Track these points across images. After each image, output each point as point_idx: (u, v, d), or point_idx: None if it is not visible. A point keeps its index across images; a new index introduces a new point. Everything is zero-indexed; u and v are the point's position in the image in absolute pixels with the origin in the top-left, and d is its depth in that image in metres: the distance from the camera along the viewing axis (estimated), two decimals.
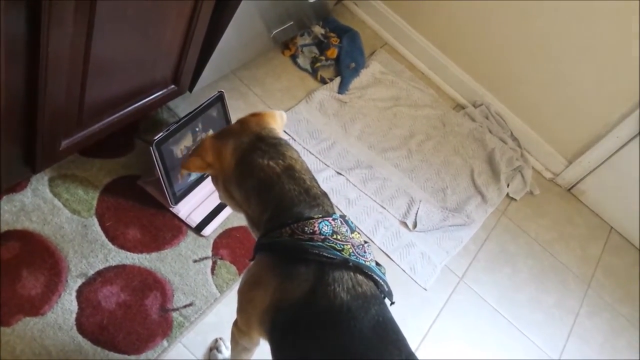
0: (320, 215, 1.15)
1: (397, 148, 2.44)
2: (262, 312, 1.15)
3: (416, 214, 2.24)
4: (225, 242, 1.82)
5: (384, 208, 2.21)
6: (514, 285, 2.24)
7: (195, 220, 1.80)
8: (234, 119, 2.09)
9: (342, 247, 1.13)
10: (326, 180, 2.16)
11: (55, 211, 1.65)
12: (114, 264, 1.62)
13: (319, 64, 2.53)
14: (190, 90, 1.94)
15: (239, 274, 1.76)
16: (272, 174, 1.19)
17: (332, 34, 2.61)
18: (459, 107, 2.83)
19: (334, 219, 1.16)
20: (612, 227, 2.72)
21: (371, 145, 2.40)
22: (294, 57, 2.52)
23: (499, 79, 2.73)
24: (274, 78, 2.42)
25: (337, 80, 2.53)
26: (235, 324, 1.33)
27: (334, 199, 2.11)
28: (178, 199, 1.79)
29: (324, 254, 1.11)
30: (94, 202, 1.72)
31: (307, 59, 2.54)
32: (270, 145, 1.23)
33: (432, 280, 2.09)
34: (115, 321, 1.53)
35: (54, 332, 1.45)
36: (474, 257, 2.24)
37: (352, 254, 1.13)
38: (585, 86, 2.50)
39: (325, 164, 2.22)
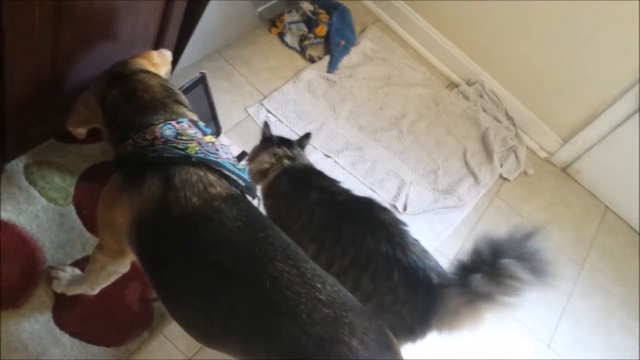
0: (162, 120, 1.14)
1: (387, 129, 2.38)
2: (127, 231, 1.12)
3: (406, 196, 2.19)
4: None
5: (374, 191, 2.15)
6: None
7: None
8: (218, 100, 2.03)
9: (186, 145, 1.11)
10: (314, 163, 2.10)
11: (31, 200, 1.60)
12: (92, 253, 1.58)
13: (307, 42, 2.44)
14: (171, 71, 1.87)
15: None
16: (116, 102, 1.22)
17: (321, 11, 2.51)
18: (453, 85, 2.75)
19: (178, 122, 1.15)
20: (607, 207, 2.68)
21: (361, 126, 2.33)
22: (281, 35, 2.44)
23: (493, 56, 2.66)
24: (260, 57, 2.34)
25: (326, 58, 2.45)
26: (101, 249, 1.29)
27: None
28: None
29: (164, 154, 1.08)
30: (71, 190, 1.66)
31: (295, 37, 2.46)
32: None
33: None
34: (94, 312, 1.49)
35: (31, 325, 1.42)
36: (465, 240, 2.20)
37: (199, 151, 1.10)
38: (582, 64, 2.43)
39: (314, 147, 2.16)
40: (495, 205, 2.39)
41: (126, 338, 1.49)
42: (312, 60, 2.44)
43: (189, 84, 1.79)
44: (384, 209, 1.46)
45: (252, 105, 2.17)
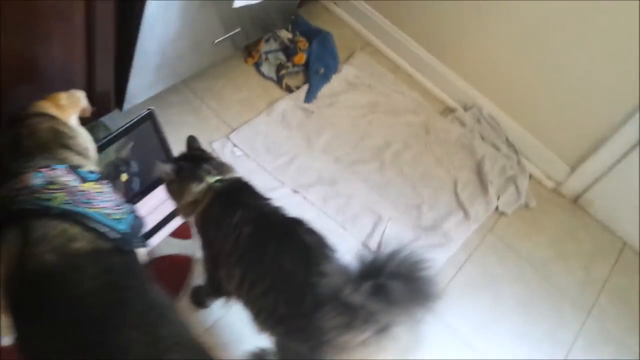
0: (36, 167, 1.07)
1: (368, 160, 2.21)
2: (3, 287, 1.04)
3: (382, 234, 2.01)
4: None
5: (345, 229, 1.99)
6: (495, 315, 1.96)
7: None
8: (177, 136, 1.93)
9: (52, 196, 1.03)
10: (279, 200, 1.96)
11: None
12: None
13: (284, 71, 2.34)
14: (120, 107, 1.80)
15: None
16: (2, 147, 1.15)
17: (300, 38, 2.41)
18: (448, 110, 2.56)
19: (52, 169, 1.07)
20: (625, 243, 2.38)
21: (338, 158, 2.18)
22: (257, 66, 2.34)
23: (491, 78, 2.46)
24: (233, 89, 2.25)
25: (305, 88, 2.33)
26: None
27: None
28: None
29: (26, 207, 1.01)
30: None
31: (273, 67, 2.36)
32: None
33: None
34: None
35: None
36: (448, 283, 1.99)
37: (67, 201, 1.02)
38: (586, 85, 2.19)
39: (281, 182, 2.03)
40: (489, 243, 2.17)
41: None
42: (289, 90, 2.32)
43: (133, 121, 1.71)
44: (311, 231, 1.35)
45: (217, 140, 2.07)
